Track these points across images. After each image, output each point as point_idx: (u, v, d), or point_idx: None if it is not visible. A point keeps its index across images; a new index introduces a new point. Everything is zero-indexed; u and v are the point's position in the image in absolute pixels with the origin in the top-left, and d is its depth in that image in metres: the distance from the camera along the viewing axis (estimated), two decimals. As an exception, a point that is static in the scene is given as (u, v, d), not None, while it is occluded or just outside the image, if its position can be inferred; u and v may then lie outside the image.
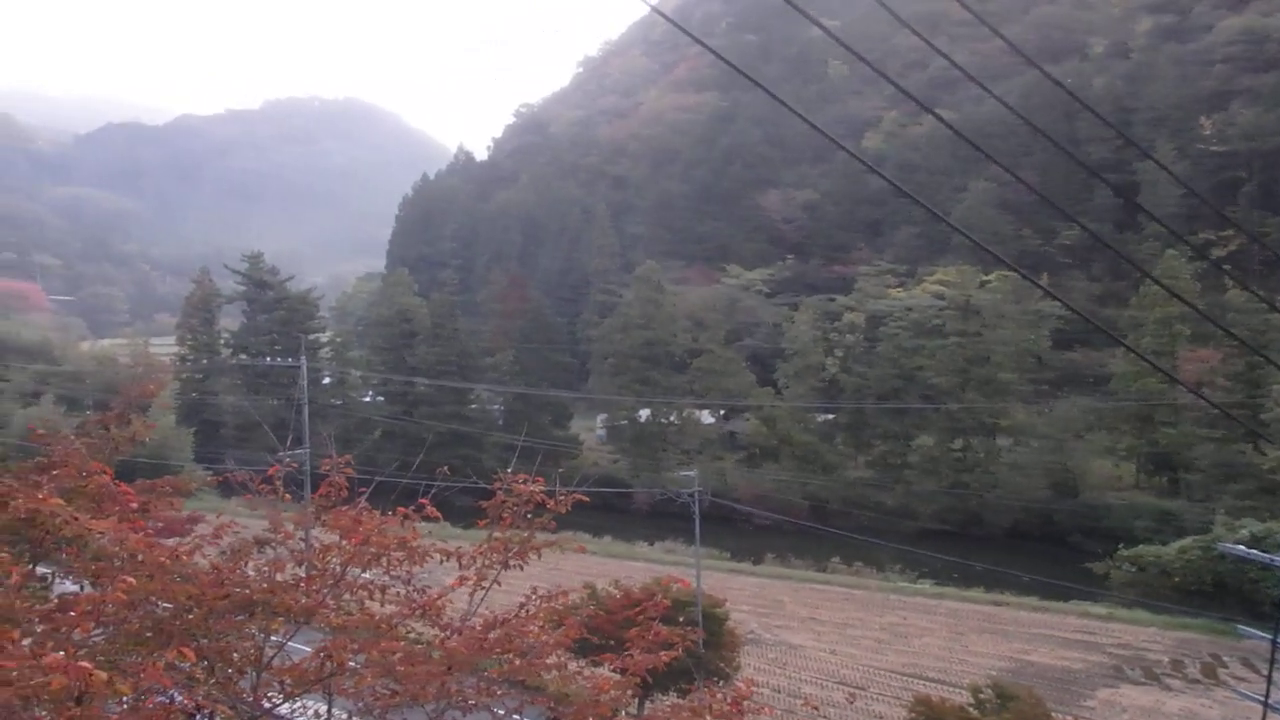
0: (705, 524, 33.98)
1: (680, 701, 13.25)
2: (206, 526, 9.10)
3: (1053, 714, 24.00)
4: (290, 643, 8.53)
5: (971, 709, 22.36)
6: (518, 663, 8.77)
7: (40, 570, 9.13)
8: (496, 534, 9.07)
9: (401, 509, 9.11)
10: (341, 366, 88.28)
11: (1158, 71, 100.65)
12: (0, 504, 8.38)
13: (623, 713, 9.67)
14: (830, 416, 79.23)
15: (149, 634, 7.55)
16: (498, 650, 8.66)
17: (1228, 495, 56.13)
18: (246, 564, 8.50)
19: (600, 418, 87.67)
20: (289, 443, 28.38)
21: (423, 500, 9.19)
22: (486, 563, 9.00)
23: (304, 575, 8.66)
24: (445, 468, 12.69)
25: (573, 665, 9.83)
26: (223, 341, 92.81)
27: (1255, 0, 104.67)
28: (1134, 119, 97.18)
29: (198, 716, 7.52)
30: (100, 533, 7.96)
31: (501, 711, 8.74)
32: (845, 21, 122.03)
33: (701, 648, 24.91)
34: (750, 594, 44.82)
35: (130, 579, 7.05)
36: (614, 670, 9.55)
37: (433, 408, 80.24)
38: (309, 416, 36.57)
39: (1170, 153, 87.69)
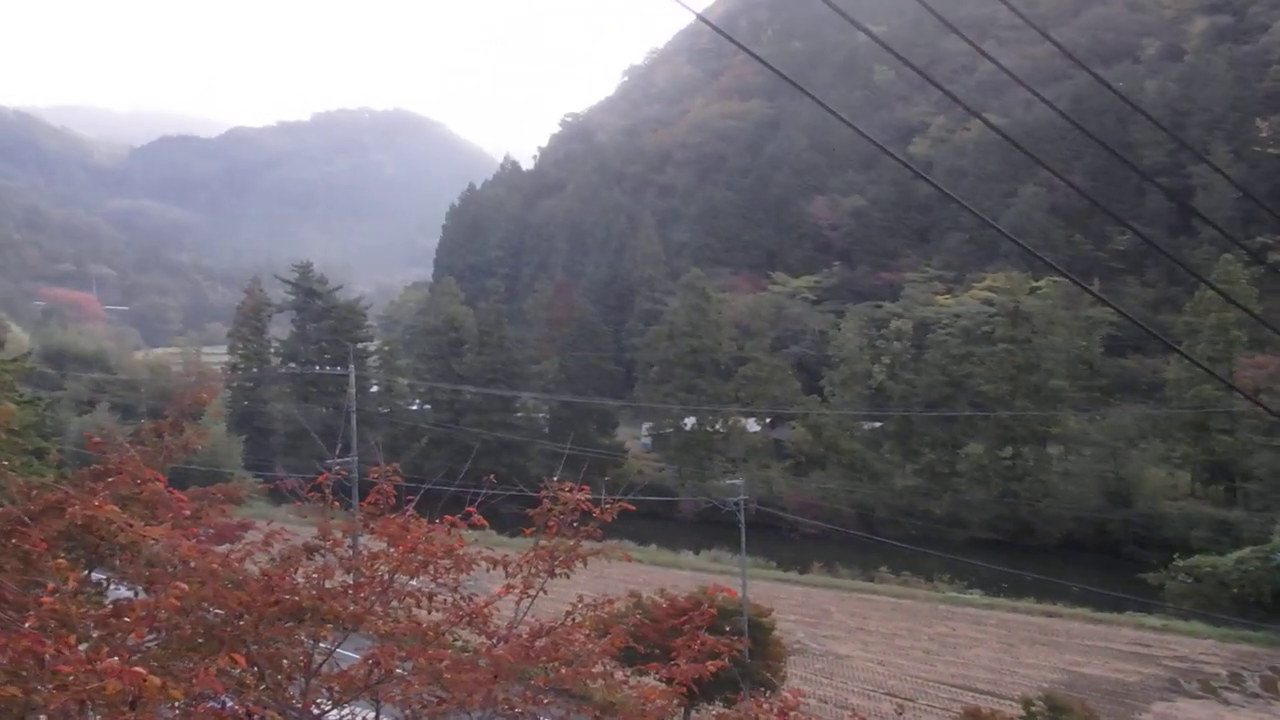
0: (751, 533, 33.83)
1: (726, 711, 13.19)
2: (257, 533, 9.21)
3: (1107, 727, 23.64)
4: (339, 649, 8.62)
5: (1023, 721, 22.06)
6: (564, 671, 8.77)
7: (96, 576, 9.28)
8: (543, 542, 9.10)
9: (448, 517, 9.16)
10: (389, 375, 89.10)
11: (1212, 73, 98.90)
12: (58, 511, 8.56)
13: (669, 722, 9.65)
14: (877, 424, 78.55)
15: (201, 640, 7.66)
16: (544, 658, 8.67)
17: (1287, 504, 54.93)
18: (296, 571, 8.57)
19: (645, 426, 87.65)
20: (337, 451, 28.66)
21: (469, 509, 9.24)
22: (533, 571, 9.03)
23: (352, 582, 8.74)
24: (491, 475, 12.74)
25: (619, 674, 9.81)
26: (273, 350, 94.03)
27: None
28: (1188, 122, 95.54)
29: (248, 722, 7.60)
30: (154, 539, 8.10)
31: (547, 720, 8.76)
32: (892, 27, 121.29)
33: (747, 657, 24.79)
34: (797, 603, 44.55)
35: (183, 585, 7.16)
36: (660, 679, 9.53)
37: (479, 416, 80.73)
38: (357, 424, 36.94)
39: (1226, 155, 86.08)
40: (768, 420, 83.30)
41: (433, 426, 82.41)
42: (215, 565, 7.76)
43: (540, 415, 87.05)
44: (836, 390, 79.26)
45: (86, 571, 8.96)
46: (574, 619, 9.16)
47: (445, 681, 8.11)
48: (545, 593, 9.01)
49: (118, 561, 8.93)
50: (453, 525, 9.11)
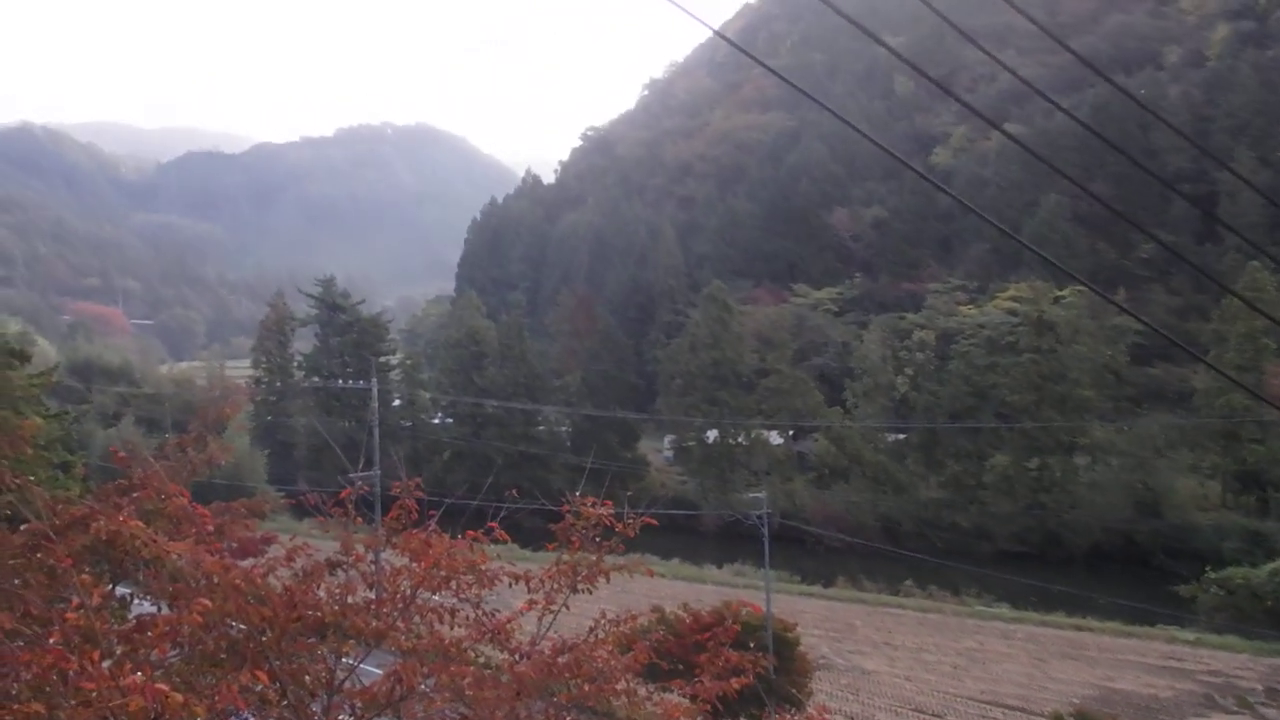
0: (775, 546, 33.62)
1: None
2: (280, 548, 9.22)
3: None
4: (361, 665, 8.58)
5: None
6: (587, 688, 8.70)
7: (120, 591, 9.31)
8: (565, 557, 9.04)
9: (471, 532, 9.13)
10: (411, 388, 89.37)
11: (1236, 79, 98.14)
12: (83, 526, 8.61)
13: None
14: (901, 436, 78.10)
15: (224, 656, 7.66)
16: (567, 675, 8.60)
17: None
18: (319, 587, 8.56)
19: (668, 439, 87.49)
20: (360, 464, 28.74)
21: (492, 524, 9.21)
22: (555, 586, 8.97)
23: (375, 598, 8.71)
24: (514, 490, 12.70)
25: (642, 690, 9.73)
26: (296, 364, 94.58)
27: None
28: (1212, 128, 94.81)
29: (270, 739, 7.57)
30: (178, 555, 8.10)
31: (571, 737, 8.68)
32: (912, 37, 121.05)
33: (772, 673, 24.57)
34: (822, 617, 44.23)
35: (206, 601, 7.14)
36: (684, 696, 9.44)
37: (501, 429, 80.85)
38: (379, 438, 37.00)
39: (1251, 161, 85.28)
40: (790, 433, 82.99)
41: (455, 440, 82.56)
42: (238, 581, 7.75)
43: (562, 428, 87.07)
44: (860, 402, 78.87)
45: (111, 586, 9.00)
46: (597, 635, 9.10)
47: (468, 698, 8.06)
48: (568, 608, 8.95)
49: (141, 576, 8.96)
50: (475, 540, 9.08)
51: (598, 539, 9.00)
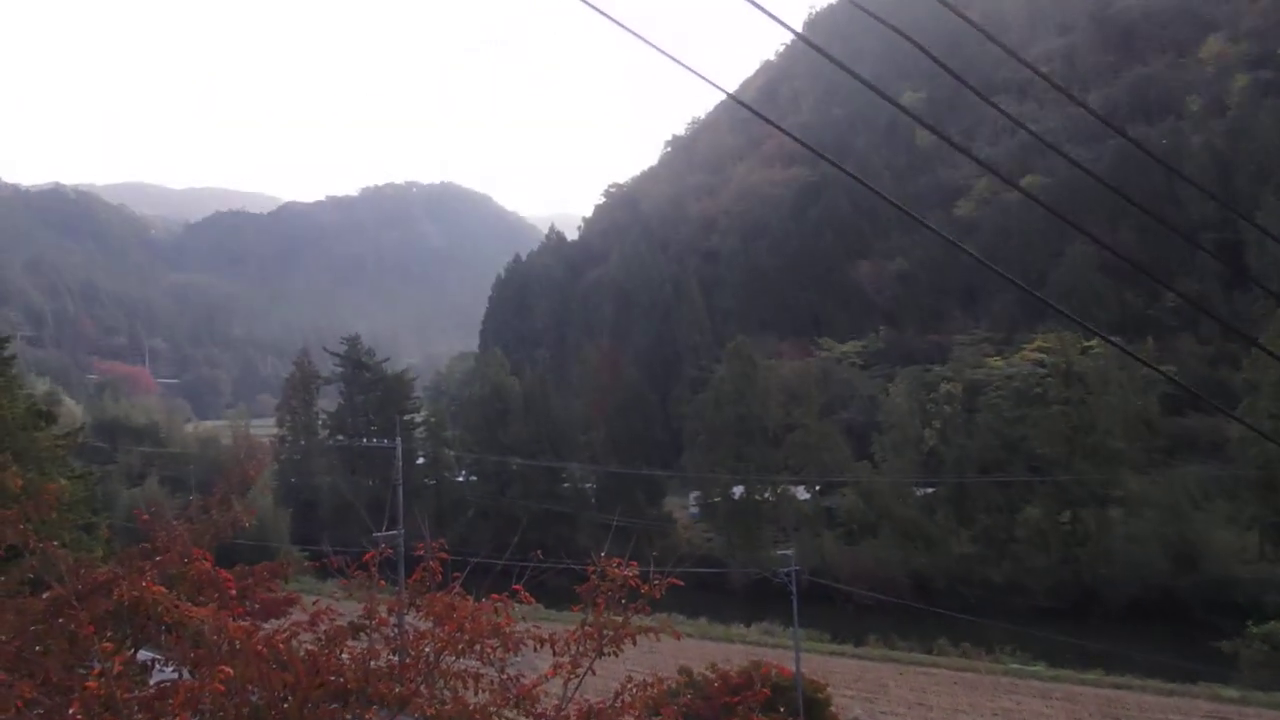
0: (804, 603, 33.11)
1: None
2: (303, 611, 9.15)
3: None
4: (385, 731, 8.43)
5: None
6: (614, 754, 8.49)
7: (142, 655, 9.24)
8: (590, 619, 8.88)
9: (495, 595, 9.01)
10: (436, 446, 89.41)
11: (1258, 127, 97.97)
12: (105, 590, 8.55)
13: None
14: (931, 490, 77.23)
15: (246, 722, 7.53)
16: (593, 740, 8.41)
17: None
18: (341, 651, 8.45)
19: (693, 495, 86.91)
20: (384, 524, 28.63)
21: (516, 586, 9.10)
22: (581, 650, 8.79)
23: (398, 663, 8.58)
24: (539, 551, 12.56)
25: (671, 757, 9.48)
26: (320, 422, 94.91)
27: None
28: (1236, 175, 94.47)
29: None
30: (200, 620, 8.03)
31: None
32: (933, 91, 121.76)
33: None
34: (853, 677, 43.38)
35: (228, 669, 7.06)
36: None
37: (526, 486, 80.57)
38: (403, 496, 36.86)
39: (1277, 207, 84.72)
40: (818, 487, 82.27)
41: (479, 498, 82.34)
42: (261, 646, 7.65)
43: (587, 485, 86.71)
44: (887, 455, 78.16)
45: (132, 651, 8.91)
46: (624, 699, 8.89)
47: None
48: (594, 672, 8.77)
49: (164, 641, 8.90)
50: (499, 603, 8.96)
51: (623, 600, 8.86)
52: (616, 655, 8.86)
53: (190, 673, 8.10)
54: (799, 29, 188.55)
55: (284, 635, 8.81)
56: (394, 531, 28.73)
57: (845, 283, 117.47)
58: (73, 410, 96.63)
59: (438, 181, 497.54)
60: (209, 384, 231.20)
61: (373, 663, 8.35)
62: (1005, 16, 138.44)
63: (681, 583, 9.15)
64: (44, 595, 9.69)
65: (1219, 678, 41.47)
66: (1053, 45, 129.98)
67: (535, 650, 8.87)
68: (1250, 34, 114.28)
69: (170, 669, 8.99)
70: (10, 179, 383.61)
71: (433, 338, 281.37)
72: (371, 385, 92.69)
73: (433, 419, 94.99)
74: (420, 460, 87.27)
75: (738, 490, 78.36)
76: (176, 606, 7.93)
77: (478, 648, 8.57)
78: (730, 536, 76.71)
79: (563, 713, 8.67)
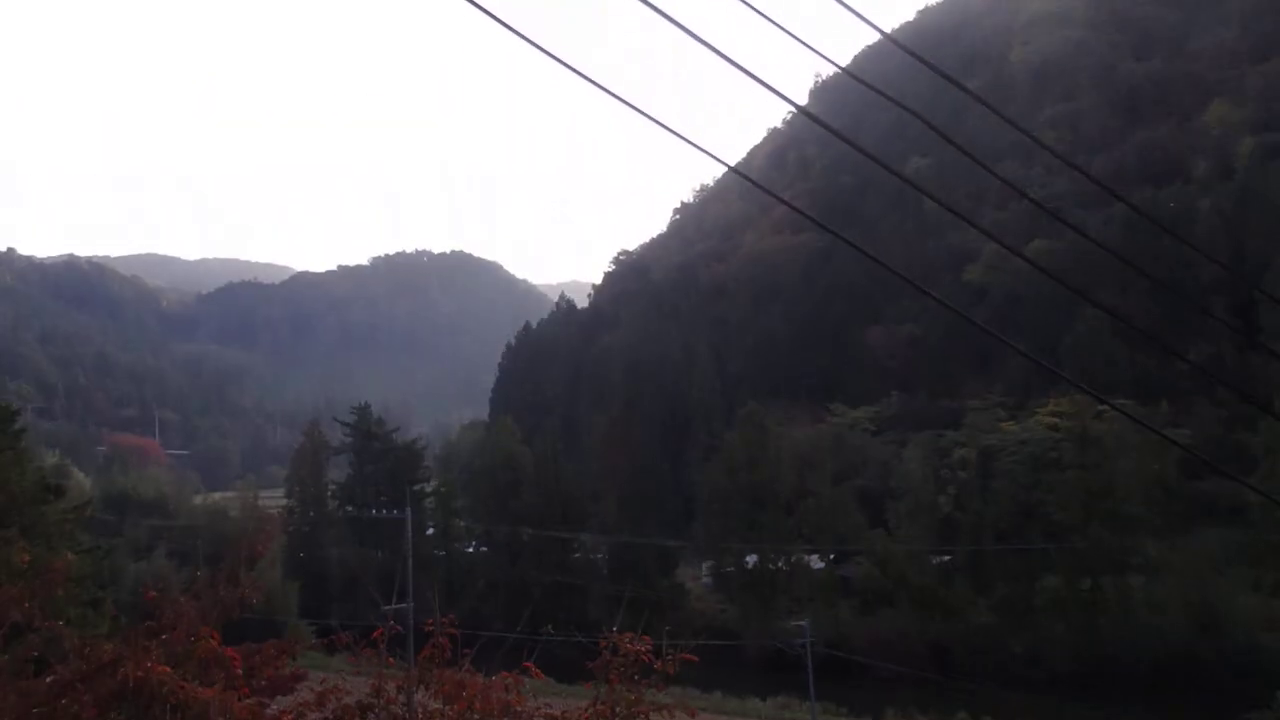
0: (820, 675, 32.51)
1: None
2: (310, 689, 9.03)
3: None
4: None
5: None
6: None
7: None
8: (603, 698, 8.69)
9: (506, 673, 8.84)
10: (446, 516, 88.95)
11: (1266, 189, 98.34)
12: (111, 671, 8.39)
13: None
14: (947, 557, 76.28)
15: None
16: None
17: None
18: (349, 732, 8.26)
19: (706, 564, 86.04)
20: (394, 596, 28.26)
21: (527, 664, 8.94)
22: (594, 728, 8.58)
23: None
24: (550, 626, 12.32)
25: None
26: (330, 493, 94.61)
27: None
28: (1246, 236, 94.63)
29: None
30: (206, 701, 7.86)
31: None
32: (941, 157, 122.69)
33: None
34: (872, 750, 42.43)
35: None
36: None
37: (537, 557, 79.88)
38: (413, 568, 36.50)
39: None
40: (832, 556, 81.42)
41: (490, 569, 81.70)
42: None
43: (598, 556, 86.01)
44: (902, 523, 77.39)
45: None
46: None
47: None
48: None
49: (168, 721, 8.74)
50: (510, 680, 8.81)
51: (636, 676, 8.67)
52: (630, 731, 8.64)
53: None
54: (806, 94, 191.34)
55: (291, 716, 8.62)
56: (402, 605, 28.37)
57: (857, 348, 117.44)
58: (82, 482, 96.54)
59: (448, 250, 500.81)
60: (219, 455, 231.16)
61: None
62: (1011, 81, 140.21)
63: (695, 658, 8.96)
64: (48, 677, 9.52)
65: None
66: (1058, 110, 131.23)
67: (548, 728, 8.68)
68: (1254, 97, 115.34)
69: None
70: (25, 251, 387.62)
71: (443, 406, 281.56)
72: (381, 455, 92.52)
73: (443, 489, 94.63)
74: (430, 531, 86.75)
75: (751, 559, 77.56)
76: (182, 687, 7.85)
77: (489, 727, 8.38)
78: (744, 607, 75.71)
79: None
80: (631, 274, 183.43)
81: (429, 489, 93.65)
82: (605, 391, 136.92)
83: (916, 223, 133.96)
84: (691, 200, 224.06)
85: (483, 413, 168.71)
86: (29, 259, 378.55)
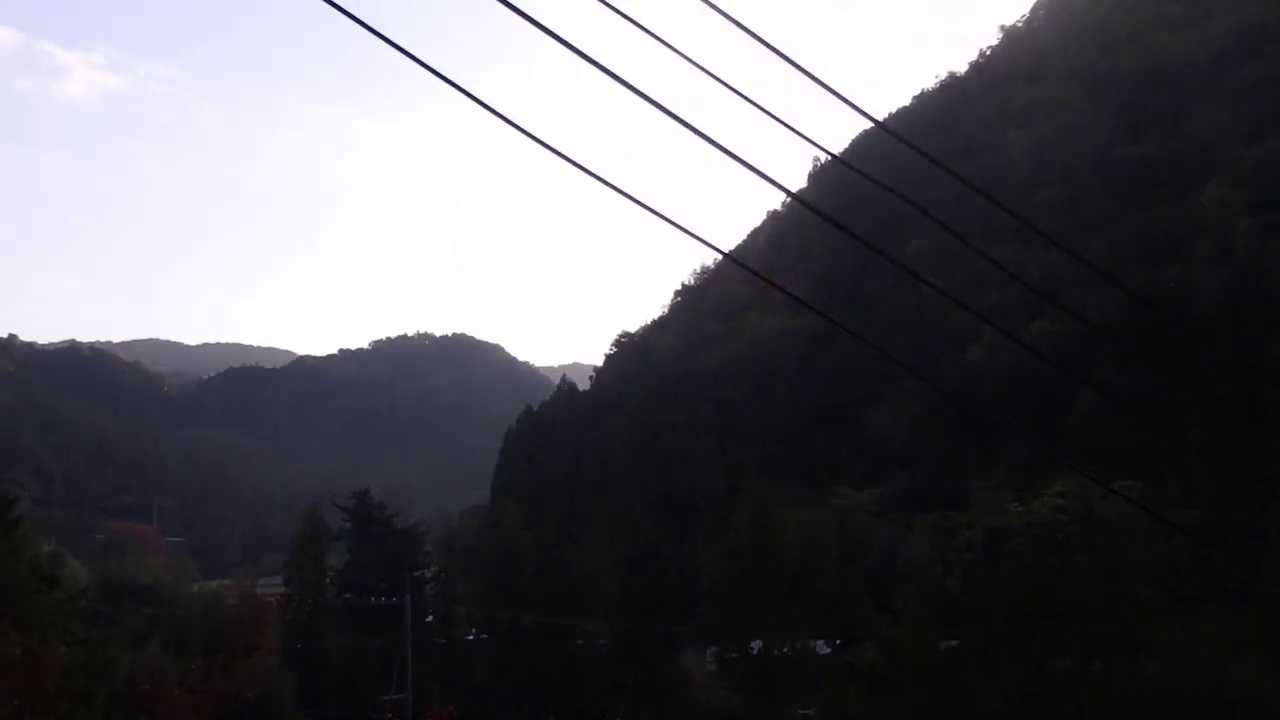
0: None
1: None
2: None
3: None
4: None
5: None
6: None
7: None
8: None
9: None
10: (446, 603, 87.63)
11: (1265, 267, 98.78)
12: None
13: None
14: (955, 641, 74.78)
15: None
16: None
17: None
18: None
19: (710, 650, 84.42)
20: (393, 685, 27.51)
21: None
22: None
23: None
24: (551, 718, 11.76)
25: None
26: (329, 579, 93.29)
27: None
28: (1248, 314, 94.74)
29: None
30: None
31: None
32: (940, 238, 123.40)
33: None
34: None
35: None
36: None
37: (539, 643, 78.44)
38: (412, 656, 35.60)
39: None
40: (839, 641, 79.92)
41: (491, 656, 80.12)
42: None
43: (601, 642, 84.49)
44: (909, 606, 75.99)
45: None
46: None
47: None
48: None
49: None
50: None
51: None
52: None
53: None
54: (805, 176, 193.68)
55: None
56: (401, 696, 27.59)
57: (860, 428, 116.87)
58: (77, 571, 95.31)
59: (450, 333, 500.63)
60: (217, 542, 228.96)
61: None
62: (1008, 164, 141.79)
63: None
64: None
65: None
66: (1055, 192, 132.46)
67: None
68: (1250, 178, 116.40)
69: None
70: (27, 337, 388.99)
71: (445, 490, 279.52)
72: (381, 541, 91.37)
73: (443, 575, 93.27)
74: (429, 619, 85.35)
75: (756, 645, 76.09)
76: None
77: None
78: (750, 694, 74.04)
79: None
80: (633, 356, 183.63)
81: (429, 575, 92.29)
82: (608, 474, 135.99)
83: (917, 303, 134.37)
84: (692, 282, 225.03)
85: (484, 496, 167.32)
86: (30, 345, 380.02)
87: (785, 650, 75.38)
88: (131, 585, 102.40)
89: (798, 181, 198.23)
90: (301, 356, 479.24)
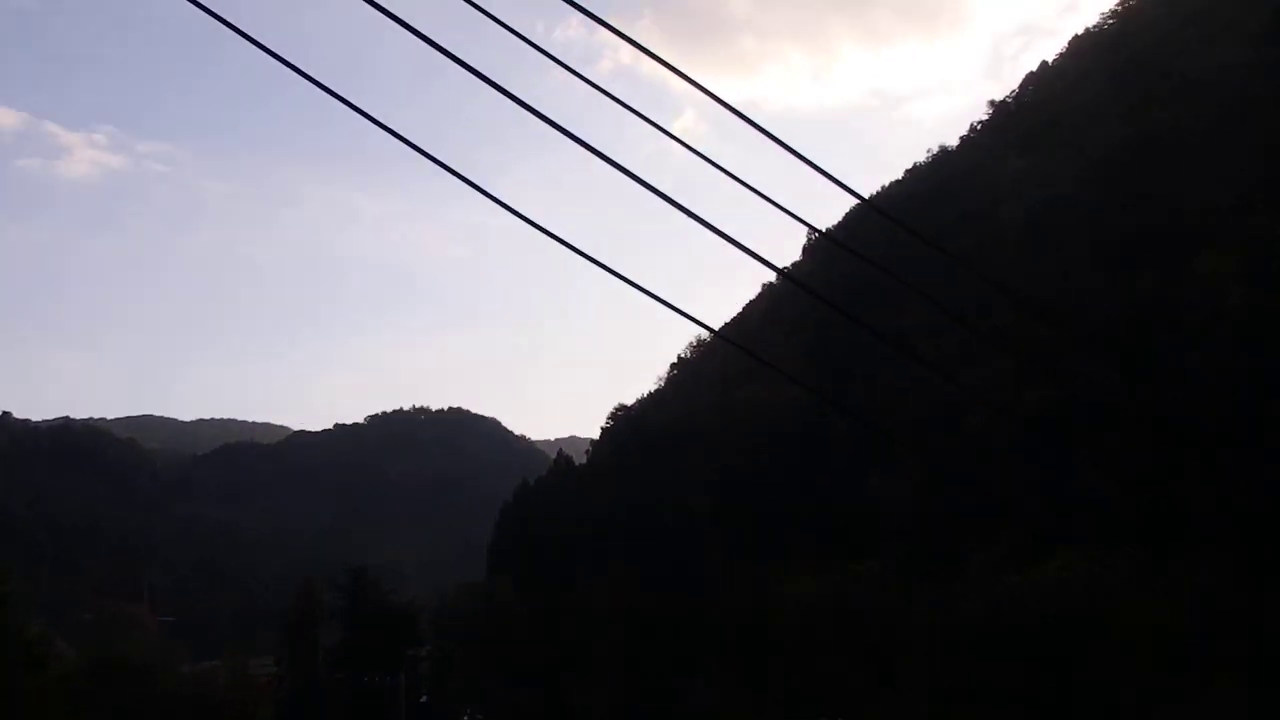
0: None
1: None
2: None
3: None
4: None
5: None
6: None
7: None
8: None
9: None
10: (440, 680, 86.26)
11: (1259, 337, 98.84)
12: None
13: None
14: (959, 717, 73.54)
15: None
16: None
17: None
18: None
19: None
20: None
21: None
22: None
23: None
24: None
25: None
26: (321, 658, 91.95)
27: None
28: (1242, 374, 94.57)
29: None
30: None
31: None
32: (935, 309, 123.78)
33: None
34: None
35: None
36: None
37: (536, 721, 77.03)
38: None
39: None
40: (839, 717, 78.56)
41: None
42: None
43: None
44: (910, 679, 74.92)
45: None
46: None
47: None
48: None
49: None
50: None
51: None
52: None
53: None
54: (800, 249, 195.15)
55: None
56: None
57: (858, 499, 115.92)
58: (66, 653, 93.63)
59: (446, 407, 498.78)
60: (209, 620, 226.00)
61: None
62: (1001, 234, 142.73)
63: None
64: None
65: None
66: (1048, 262, 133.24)
67: None
68: (1241, 249, 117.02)
69: None
70: (20, 414, 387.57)
71: (440, 565, 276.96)
72: (375, 618, 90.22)
73: (438, 652, 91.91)
74: (424, 699, 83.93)
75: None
76: None
77: None
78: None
79: None
80: (629, 429, 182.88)
81: (424, 653, 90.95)
82: (605, 548, 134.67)
83: (915, 369, 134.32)
84: (689, 354, 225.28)
85: (480, 571, 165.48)
86: (24, 423, 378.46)
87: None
88: (121, 666, 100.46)
89: (794, 252, 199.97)
90: (297, 431, 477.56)
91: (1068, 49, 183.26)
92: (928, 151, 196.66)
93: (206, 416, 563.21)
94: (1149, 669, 63.99)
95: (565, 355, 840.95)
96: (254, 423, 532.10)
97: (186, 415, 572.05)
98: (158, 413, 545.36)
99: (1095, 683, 64.17)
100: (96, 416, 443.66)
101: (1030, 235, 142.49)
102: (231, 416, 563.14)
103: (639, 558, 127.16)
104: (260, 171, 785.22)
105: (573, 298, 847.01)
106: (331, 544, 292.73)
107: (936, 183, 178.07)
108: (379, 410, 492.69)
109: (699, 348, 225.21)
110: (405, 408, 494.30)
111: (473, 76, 7.49)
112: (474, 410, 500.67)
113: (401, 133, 6.91)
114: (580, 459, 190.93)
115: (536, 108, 7.00)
